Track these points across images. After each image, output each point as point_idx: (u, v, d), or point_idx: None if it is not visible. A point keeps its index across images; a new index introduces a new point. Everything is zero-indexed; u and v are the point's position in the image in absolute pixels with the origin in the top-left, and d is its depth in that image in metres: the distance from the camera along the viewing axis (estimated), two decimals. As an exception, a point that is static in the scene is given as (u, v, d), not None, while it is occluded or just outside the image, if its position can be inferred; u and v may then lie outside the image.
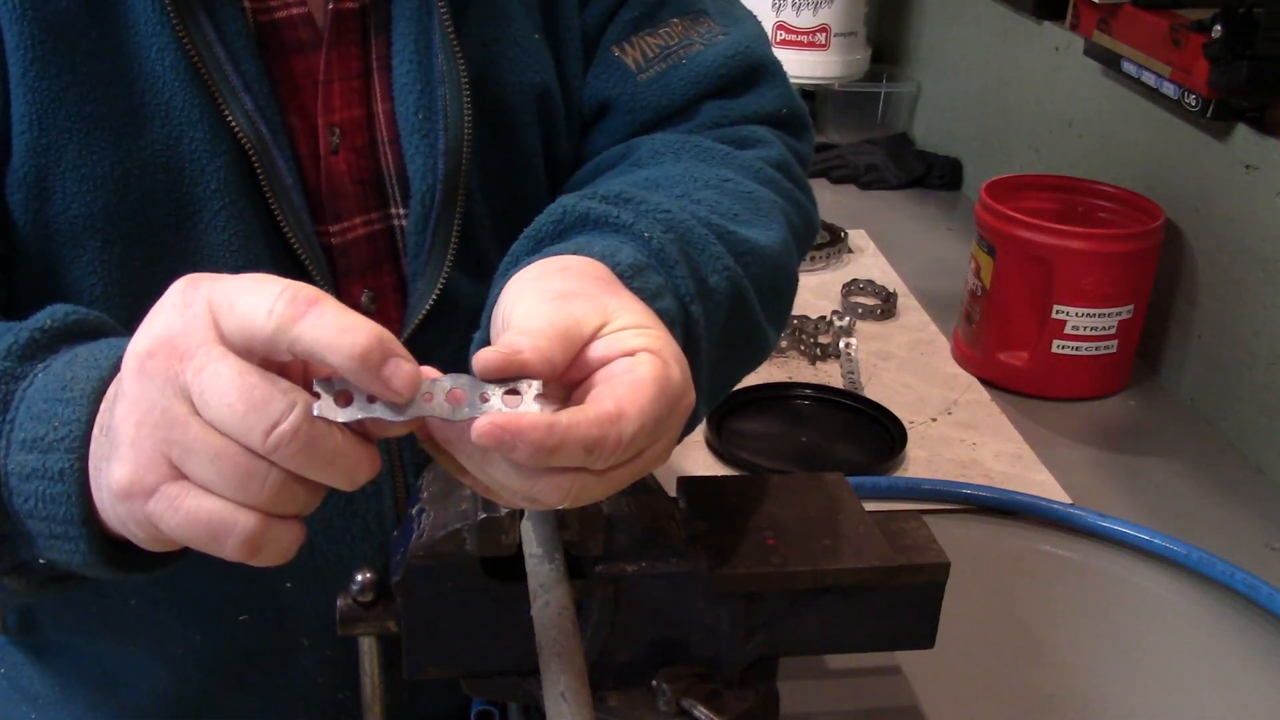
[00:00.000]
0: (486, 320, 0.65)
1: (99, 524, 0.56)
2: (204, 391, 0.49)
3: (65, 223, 0.72)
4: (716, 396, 0.82)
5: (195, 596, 0.84)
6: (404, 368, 0.50)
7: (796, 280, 0.86)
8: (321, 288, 0.61)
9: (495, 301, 0.63)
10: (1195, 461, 1.33)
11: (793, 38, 2.13)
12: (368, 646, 0.79)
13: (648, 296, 0.64)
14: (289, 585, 0.85)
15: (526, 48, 0.85)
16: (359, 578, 0.77)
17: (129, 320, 0.57)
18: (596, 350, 0.57)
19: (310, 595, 0.85)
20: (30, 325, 0.60)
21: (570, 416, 0.51)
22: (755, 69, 0.91)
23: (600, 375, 0.56)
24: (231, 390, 0.49)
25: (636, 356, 0.56)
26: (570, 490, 0.53)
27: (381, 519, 0.86)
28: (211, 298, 0.51)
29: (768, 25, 2.12)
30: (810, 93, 2.37)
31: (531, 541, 0.70)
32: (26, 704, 0.91)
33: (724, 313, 0.73)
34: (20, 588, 0.62)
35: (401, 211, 0.83)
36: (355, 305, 0.81)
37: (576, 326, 0.56)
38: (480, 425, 0.50)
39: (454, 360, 0.70)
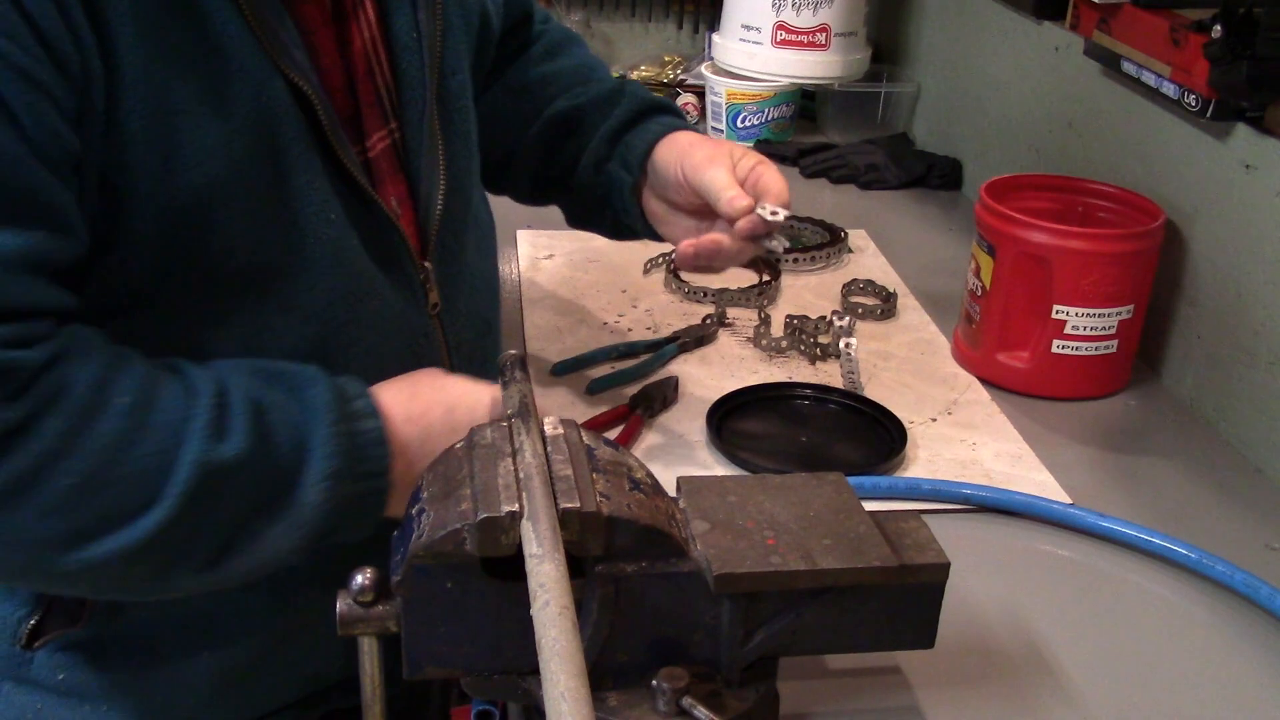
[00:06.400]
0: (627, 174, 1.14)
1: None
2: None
3: (189, 191, 0.82)
4: None
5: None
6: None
7: None
8: (369, 198, 0.92)
9: (639, 156, 1.12)
10: (1195, 461, 1.33)
11: (793, 38, 2.13)
12: (368, 646, 0.79)
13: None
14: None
15: None
16: (359, 578, 0.77)
17: (245, 265, 0.85)
18: (740, 171, 1.06)
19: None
20: (344, 409, 0.84)
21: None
22: None
23: (754, 178, 1.06)
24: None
25: (759, 167, 1.07)
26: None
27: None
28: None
29: (768, 25, 2.13)
30: (810, 93, 2.36)
31: (531, 541, 0.70)
32: (84, 704, 0.97)
33: None
34: (293, 556, 0.84)
35: (394, 125, 0.97)
36: (390, 209, 0.94)
37: (733, 168, 1.06)
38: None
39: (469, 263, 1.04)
